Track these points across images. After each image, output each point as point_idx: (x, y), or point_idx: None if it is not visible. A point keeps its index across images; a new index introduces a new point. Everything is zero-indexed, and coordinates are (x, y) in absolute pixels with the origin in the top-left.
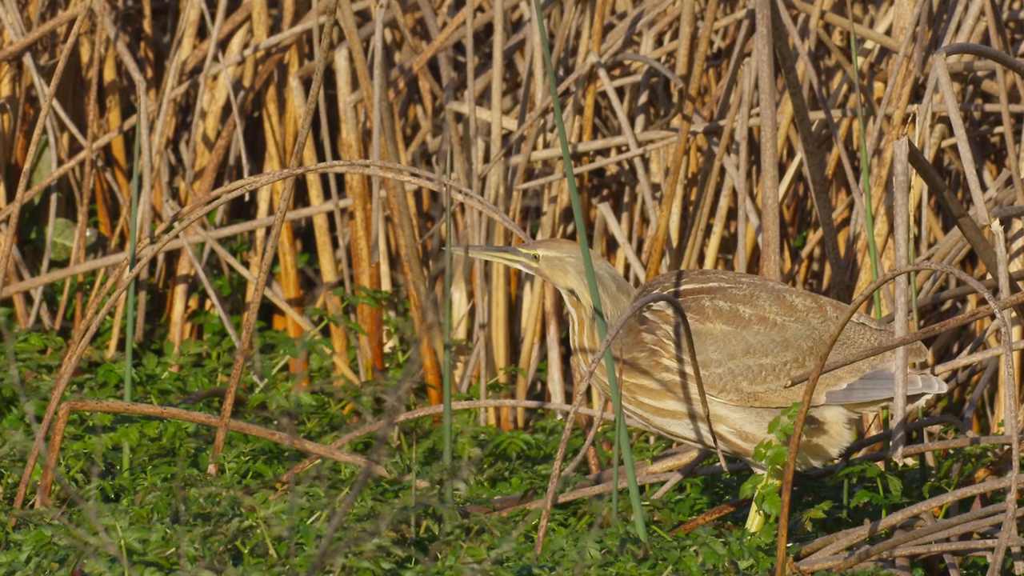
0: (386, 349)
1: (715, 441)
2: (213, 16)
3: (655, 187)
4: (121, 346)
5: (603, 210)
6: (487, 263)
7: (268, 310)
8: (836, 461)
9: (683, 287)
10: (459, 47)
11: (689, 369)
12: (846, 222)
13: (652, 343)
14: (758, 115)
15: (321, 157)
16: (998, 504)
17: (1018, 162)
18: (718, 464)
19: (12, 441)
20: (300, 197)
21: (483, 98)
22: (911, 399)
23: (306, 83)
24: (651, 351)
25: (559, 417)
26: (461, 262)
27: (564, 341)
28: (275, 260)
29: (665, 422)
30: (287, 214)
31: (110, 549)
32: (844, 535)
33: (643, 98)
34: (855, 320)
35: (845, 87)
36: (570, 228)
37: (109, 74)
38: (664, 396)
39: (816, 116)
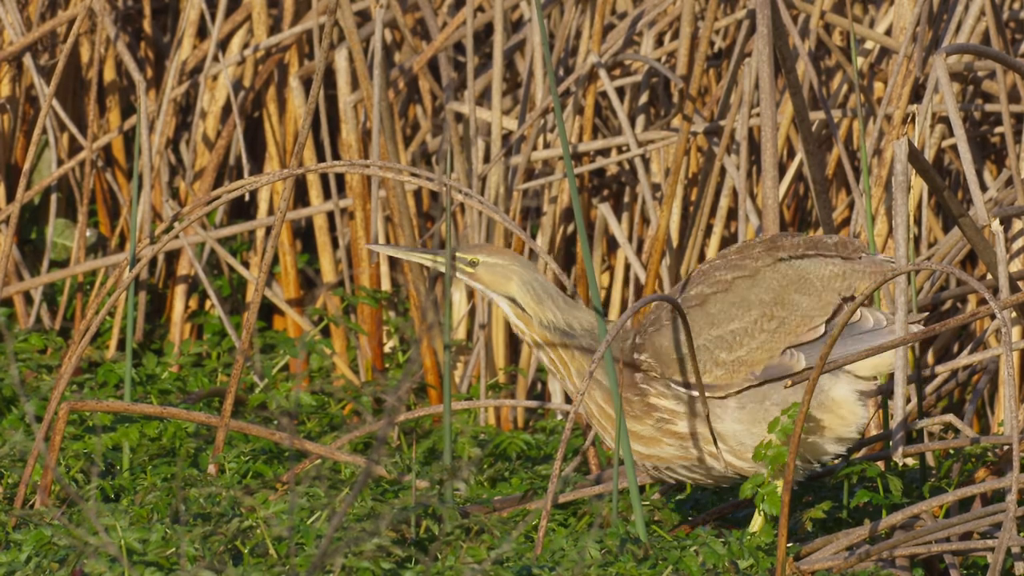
0: (386, 349)
1: (718, 449)
2: (213, 16)
3: (655, 187)
4: (121, 346)
5: (603, 210)
6: None
7: (268, 310)
8: (842, 458)
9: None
10: (459, 47)
11: (672, 403)
12: (846, 222)
13: (641, 380)
14: (758, 115)
15: (321, 157)
16: (998, 504)
17: (1018, 162)
18: None
19: (12, 441)
20: (300, 197)
21: (483, 98)
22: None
23: (306, 83)
24: (641, 391)
25: (559, 417)
26: None
27: None
28: (275, 260)
29: (659, 464)
30: (287, 214)
31: (110, 549)
32: (844, 535)
33: (643, 98)
34: (813, 253)
35: (845, 87)
36: (570, 228)
37: (109, 74)
38: (657, 443)
39: (816, 116)
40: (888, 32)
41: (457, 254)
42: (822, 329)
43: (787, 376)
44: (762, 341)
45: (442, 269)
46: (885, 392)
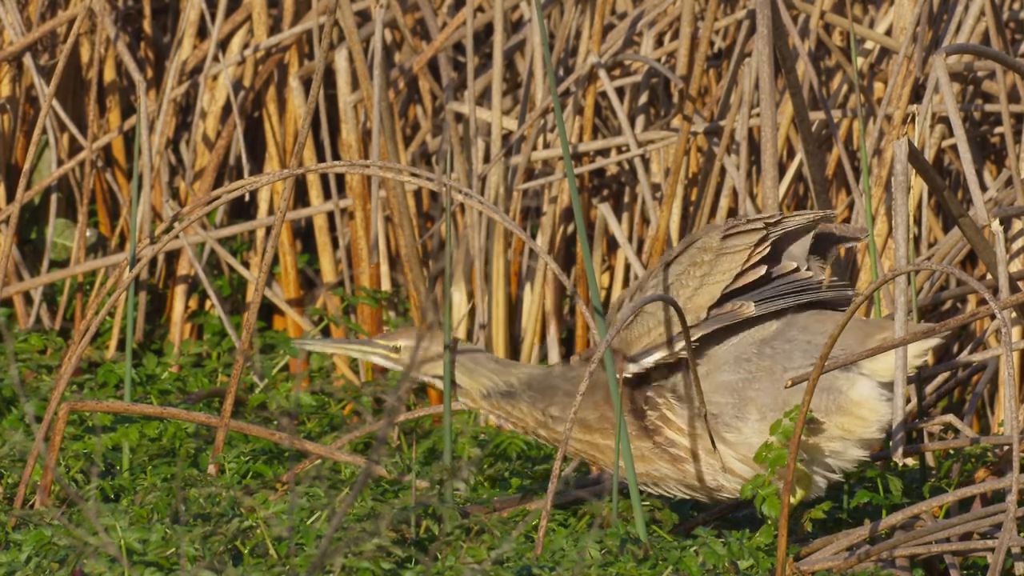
0: None
1: (717, 452)
2: (213, 16)
3: (655, 187)
4: (121, 346)
5: (603, 210)
6: (487, 263)
7: (268, 310)
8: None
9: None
10: (459, 47)
11: (677, 435)
12: (846, 222)
13: (649, 408)
14: (758, 115)
15: (321, 157)
16: (998, 504)
17: (1018, 162)
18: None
19: (12, 441)
20: (300, 197)
21: (483, 98)
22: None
23: (306, 83)
24: (642, 414)
25: None
26: (461, 262)
27: (564, 341)
28: (275, 260)
29: (654, 480)
30: (287, 214)
31: (110, 549)
32: (844, 535)
33: (643, 98)
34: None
35: (845, 87)
36: (570, 228)
37: (109, 74)
38: (651, 461)
39: (816, 116)
40: (888, 32)
41: (380, 342)
42: (764, 270)
43: (734, 320)
44: (695, 288)
45: (376, 360)
46: None
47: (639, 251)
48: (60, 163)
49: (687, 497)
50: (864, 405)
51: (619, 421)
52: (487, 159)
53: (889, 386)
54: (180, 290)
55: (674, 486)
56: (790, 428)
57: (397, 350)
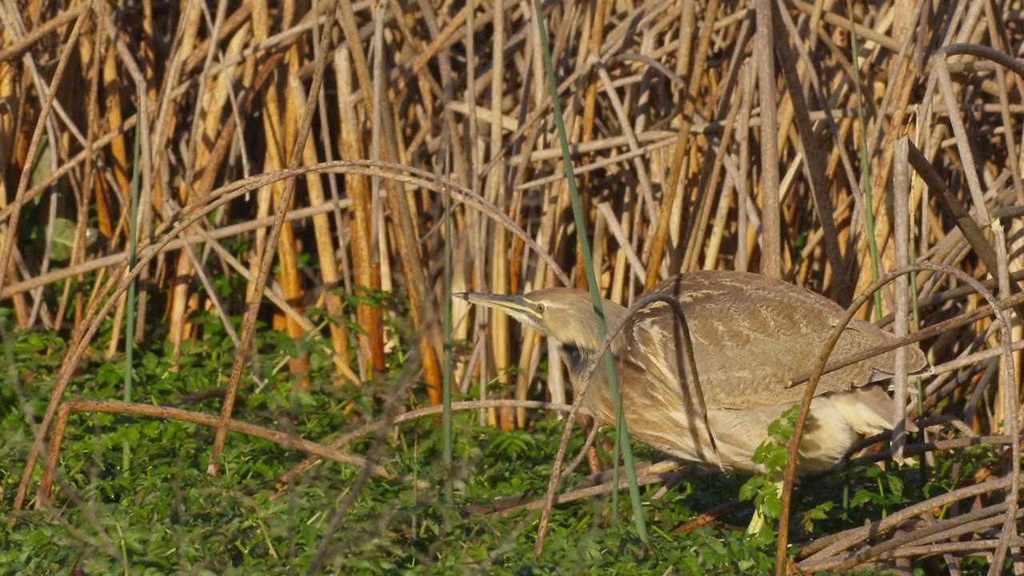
0: (386, 349)
1: (714, 448)
2: (213, 16)
3: (655, 187)
4: (121, 346)
5: (603, 210)
6: (487, 263)
7: (268, 310)
8: (836, 461)
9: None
10: (459, 47)
11: (670, 394)
12: (846, 222)
13: (640, 355)
14: (758, 115)
15: (321, 157)
16: (998, 504)
17: (1018, 162)
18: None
19: (12, 441)
20: (300, 197)
21: (483, 98)
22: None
23: (306, 83)
24: (638, 370)
25: (559, 417)
26: (461, 262)
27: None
28: (275, 260)
29: (665, 447)
30: (287, 214)
31: (110, 549)
32: (844, 536)
33: (643, 98)
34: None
35: (845, 87)
36: (570, 228)
37: (109, 74)
38: (662, 428)
39: (816, 116)
40: (888, 32)
41: (527, 299)
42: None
43: (765, 391)
44: (764, 397)
45: (525, 319)
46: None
47: (639, 251)
48: (60, 163)
49: (697, 460)
50: (824, 429)
51: (619, 420)
52: (487, 159)
53: (855, 431)
54: (180, 290)
55: (685, 451)
56: (788, 429)
57: (541, 310)
